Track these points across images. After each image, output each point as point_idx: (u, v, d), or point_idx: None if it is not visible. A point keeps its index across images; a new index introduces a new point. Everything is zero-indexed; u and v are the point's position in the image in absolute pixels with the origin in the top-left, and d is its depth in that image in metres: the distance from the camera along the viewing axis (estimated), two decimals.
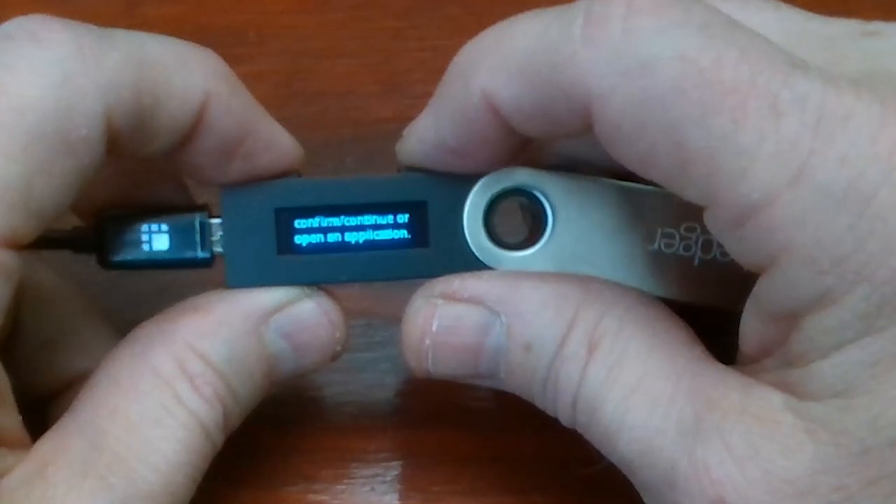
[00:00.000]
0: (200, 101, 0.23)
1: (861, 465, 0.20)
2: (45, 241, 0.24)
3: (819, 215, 0.19)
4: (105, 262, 0.25)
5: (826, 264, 0.19)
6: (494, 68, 0.22)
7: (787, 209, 0.19)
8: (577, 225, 0.24)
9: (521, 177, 0.24)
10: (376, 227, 0.25)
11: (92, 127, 0.22)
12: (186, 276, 0.26)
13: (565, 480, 0.28)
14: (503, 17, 0.22)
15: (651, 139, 0.20)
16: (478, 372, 0.24)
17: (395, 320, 0.26)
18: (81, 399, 0.23)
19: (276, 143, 0.25)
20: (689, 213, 0.24)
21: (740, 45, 0.20)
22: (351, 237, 0.25)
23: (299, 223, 0.25)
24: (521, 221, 0.27)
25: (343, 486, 0.28)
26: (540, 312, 0.23)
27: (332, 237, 0.25)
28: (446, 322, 0.24)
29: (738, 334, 0.23)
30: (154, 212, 0.25)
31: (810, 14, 0.23)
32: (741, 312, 0.22)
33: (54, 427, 0.23)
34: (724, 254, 0.24)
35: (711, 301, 0.25)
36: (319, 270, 0.25)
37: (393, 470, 0.29)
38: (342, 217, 0.25)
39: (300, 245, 0.25)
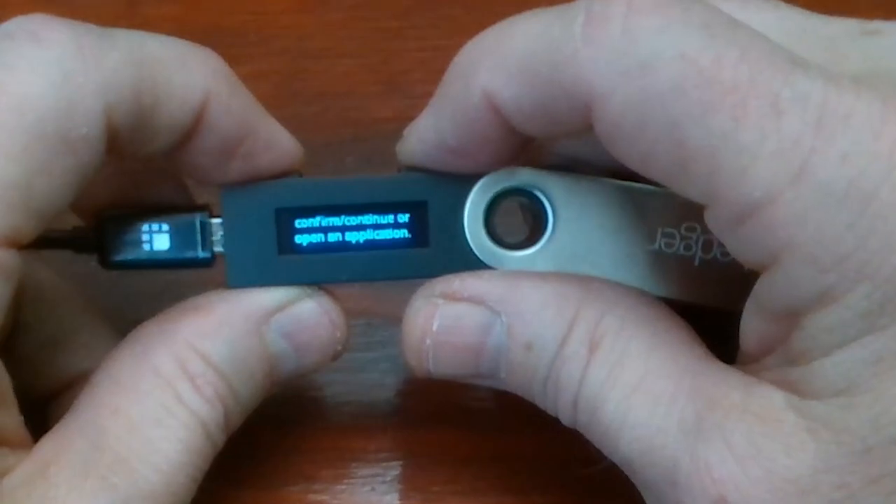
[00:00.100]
0: (200, 100, 0.23)
1: (863, 464, 0.20)
2: (45, 241, 0.24)
3: (820, 213, 0.19)
4: (105, 262, 0.25)
5: (827, 262, 0.19)
6: (495, 68, 0.22)
7: (788, 207, 0.19)
8: (577, 225, 0.24)
9: (522, 177, 0.24)
10: (377, 226, 0.25)
11: (92, 126, 0.22)
12: (187, 276, 0.26)
13: (565, 480, 0.28)
14: (503, 17, 0.22)
15: (652, 138, 0.20)
16: (478, 372, 0.24)
17: (395, 320, 0.26)
18: (82, 399, 0.23)
19: (276, 143, 0.25)
20: (689, 213, 0.24)
21: (740, 44, 0.20)
22: (351, 237, 0.25)
23: (300, 223, 0.25)
24: (521, 221, 0.27)
25: (343, 486, 0.28)
26: (541, 312, 0.23)
27: (333, 237, 0.25)
28: (447, 322, 0.24)
29: (738, 333, 0.23)
30: (154, 212, 0.25)
31: (810, 13, 0.23)
32: (742, 312, 0.22)
33: (55, 427, 0.23)
34: (725, 253, 0.24)
35: (712, 301, 0.25)
36: (320, 270, 0.25)
37: (393, 470, 0.29)
38: (343, 217, 0.25)
39: (301, 245, 0.25)
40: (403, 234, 0.25)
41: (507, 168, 0.24)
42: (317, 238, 0.25)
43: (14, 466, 0.22)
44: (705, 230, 0.22)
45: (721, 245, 0.22)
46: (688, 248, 0.24)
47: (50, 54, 0.21)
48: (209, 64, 0.24)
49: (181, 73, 0.23)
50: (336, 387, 0.30)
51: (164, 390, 0.23)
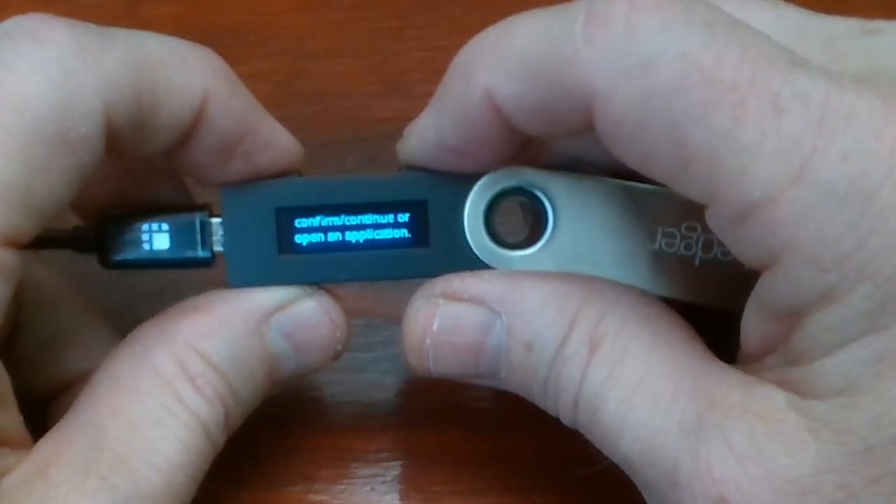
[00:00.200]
0: (200, 99, 0.23)
1: (864, 464, 0.20)
2: (45, 241, 0.24)
3: (821, 213, 0.19)
4: (106, 262, 0.25)
5: (828, 262, 0.19)
6: (496, 67, 0.22)
7: (789, 207, 0.19)
8: (577, 224, 0.24)
9: (522, 176, 0.24)
10: (377, 226, 0.25)
11: (91, 125, 0.21)
12: (187, 276, 0.26)
13: (565, 480, 0.28)
14: (503, 17, 0.22)
15: (652, 137, 0.20)
16: (479, 371, 0.24)
17: (395, 320, 0.26)
18: (82, 399, 0.23)
19: (275, 142, 0.25)
20: (690, 213, 0.24)
21: (741, 43, 0.20)
22: (351, 236, 0.25)
23: (300, 222, 0.25)
24: (521, 221, 0.27)
25: (343, 486, 0.28)
26: (541, 312, 0.23)
27: (333, 236, 0.25)
28: (447, 322, 0.24)
29: (739, 333, 0.23)
30: (154, 211, 0.25)
31: (810, 12, 0.23)
32: (742, 311, 0.22)
33: (55, 427, 0.23)
34: (726, 253, 0.24)
35: (713, 300, 0.25)
36: (320, 270, 0.25)
37: (393, 470, 0.29)
38: (343, 216, 0.25)
39: (301, 244, 0.25)
40: (403, 233, 0.25)
41: (508, 167, 0.24)
42: (317, 238, 0.25)
43: (14, 466, 0.22)
44: (706, 230, 0.22)
45: (721, 245, 0.22)
46: (688, 247, 0.24)
47: (49, 54, 0.21)
48: (209, 63, 0.24)
49: (181, 73, 0.23)
50: (336, 387, 0.30)
51: (164, 390, 0.23)
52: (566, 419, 0.24)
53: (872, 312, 0.19)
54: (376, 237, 0.25)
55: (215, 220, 0.25)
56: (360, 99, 0.34)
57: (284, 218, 0.25)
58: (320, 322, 0.25)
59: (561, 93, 0.21)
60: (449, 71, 0.23)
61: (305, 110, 0.34)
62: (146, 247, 0.25)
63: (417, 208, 0.25)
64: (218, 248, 0.25)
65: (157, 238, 0.25)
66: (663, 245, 0.24)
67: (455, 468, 0.28)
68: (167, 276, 0.28)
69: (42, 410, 0.26)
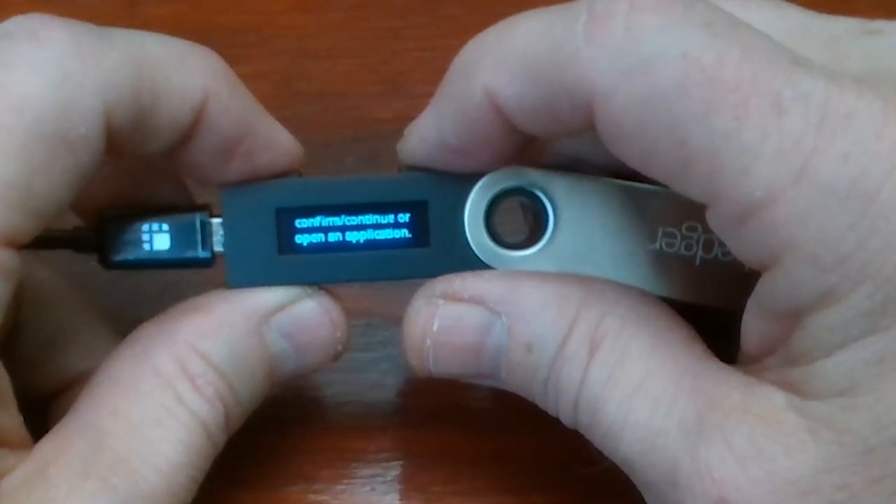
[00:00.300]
0: (200, 99, 0.23)
1: (864, 465, 0.19)
2: (45, 241, 0.23)
3: (822, 213, 0.19)
4: (106, 262, 0.25)
5: (829, 262, 0.19)
6: (497, 67, 0.22)
7: (789, 207, 0.19)
8: (578, 224, 0.24)
9: (523, 176, 0.24)
10: (377, 226, 0.25)
11: (91, 125, 0.21)
12: (187, 276, 0.26)
13: (565, 480, 0.28)
14: (503, 17, 0.22)
15: (653, 137, 0.20)
16: (479, 372, 0.24)
17: (395, 320, 0.26)
18: (82, 399, 0.23)
19: (275, 143, 0.25)
20: (690, 213, 0.24)
21: (743, 43, 0.20)
22: (352, 237, 0.25)
23: (300, 223, 0.25)
24: (522, 221, 0.27)
25: (343, 486, 0.28)
26: (541, 312, 0.23)
27: (333, 237, 0.25)
28: (447, 322, 0.24)
29: (739, 333, 0.22)
30: (155, 211, 0.25)
31: (811, 12, 0.23)
32: (743, 312, 0.22)
33: (55, 427, 0.23)
34: (726, 253, 0.24)
35: (713, 301, 0.25)
36: (320, 270, 0.25)
37: (393, 470, 0.29)
38: (343, 217, 0.25)
39: (301, 245, 0.25)
40: (404, 233, 0.25)
41: (508, 168, 0.24)
42: (317, 238, 0.25)
43: (14, 467, 0.22)
44: (706, 230, 0.22)
45: (722, 245, 0.22)
46: (689, 247, 0.24)
47: (49, 54, 0.21)
48: (208, 63, 0.24)
49: (180, 73, 0.23)
50: (336, 387, 0.30)
51: (164, 391, 0.23)
52: (566, 420, 0.24)
53: (873, 313, 0.19)
54: (377, 237, 0.25)
55: (215, 221, 0.25)
56: (360, 99, 0.34)
57: (284, 218, 0.25)
58: (321, 322, 0.25)
59: (562, 92, 0.21)
60: (450, 71, 0.23)
61: (305, 110, 0.34)
62: (146, 247, 0.25)
63: (418, 208, 0.25)
64: (218, 248, 0.25)
65: (158, 238, 0.25)
66: (664, 245, 0.24)
67: (455, 468, 0.28)
68: (167, 277, 0.28)
69: (42, 410, 0.26)
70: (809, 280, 0.19)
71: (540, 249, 0.25)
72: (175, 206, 0.26)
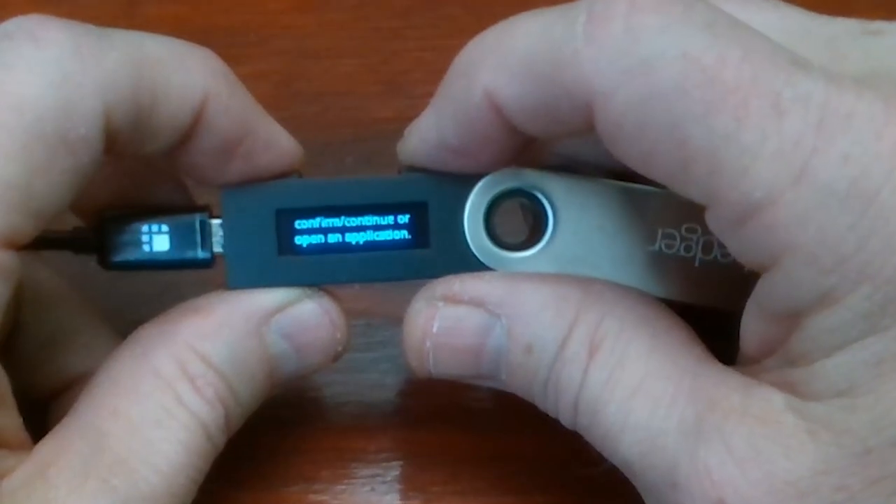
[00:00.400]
0: (199, 100, 0.23)
1: (863, 466, 0.19)
2: (45, 241, 0.24)
3: (821, 214, 0.19)
4: (105, 263, 0.25)
5: (828, 263, 0.19)
6: (497, 67, 0.22)
7: (789, 208, 0.19)
8: (577, 226, 0.24)
9: (522, 177, 0.24)
10: (377, 227, 0.25)
11: (90, 126, 0.21)
12: (187, 277, 0.26)
13: (565, 480, 0.28)
14: (503, 17, 0.22)
15: (653, 137, 0.20)
16: (479, 373, 0.24)
17: (395, 320, 0.26)
18: (82, 400, 0.23)
19: (275, 143, 0.25)
20: (689, 214, 0.24)
21: (743, 43, 0.19)
22: (351, 238, 0.25)
23: (300, 224, 0.25)
24: (521, 222, 0.27)
25: (343, 486, 0.28)
26: (540, 314, 0.23)
27: (333, 238, 0.25)
28: (447, 323, 0.24)
29: (738, 334, 0.22)
30: (154, 212, 0.25)
31: (811, 13, 0.23)
32: (742, 313, 0.22)
33: (55, 428, 0.23)
34: (725, 254, 0.24)
35: (712, 302, 0.25)
36: (320, 271, 0.25)
37: (393, 470, 0.29)
38: (343, 218, 0.25)
39: (301, 246, 0.25)
40: (404, 234, 0.25)
41: (508, 168, 0.24)
42: (317, 239, 0.25)
43: (14, 468, 0.22)
44: (706, 231, 0.22)
45: (721, 246, 0.22)
46: (688, 249, 0.24)
47: (48, 54, 0.21)
48: (208, 64, 0.24)
49: (180, 73, 0.23)
50: (336, 387, 0.30)
51: (164, 392, 0.23)
52: (566, 421, 0.24)
53: (872, 314, 0.19)
54: (376, 238, 0.25)
55: (215, 221, 0.25)
56: (360, 99, 0.34)
57: (284, 219, 0.25)
58: (320, 323, 0.25)
59: (561, 93, 0.21)
60: (450, 71, 0.23)
61: (305, 110, 0.34)
62: (146, 248, 0.25)
63: (418, 209, 0.25)
64: (218, 249, 0.25)
65: (157, 239, 0.25)
66: (663, 246, 0.24)
67: (455, 468, 0.28)
68: (167, 277, 0.28)
69: (42, 411, 0.26)
70: (809, 281, 0.19)
71: (539, 251, 0.25)
72: (175, 206, 0.26)
